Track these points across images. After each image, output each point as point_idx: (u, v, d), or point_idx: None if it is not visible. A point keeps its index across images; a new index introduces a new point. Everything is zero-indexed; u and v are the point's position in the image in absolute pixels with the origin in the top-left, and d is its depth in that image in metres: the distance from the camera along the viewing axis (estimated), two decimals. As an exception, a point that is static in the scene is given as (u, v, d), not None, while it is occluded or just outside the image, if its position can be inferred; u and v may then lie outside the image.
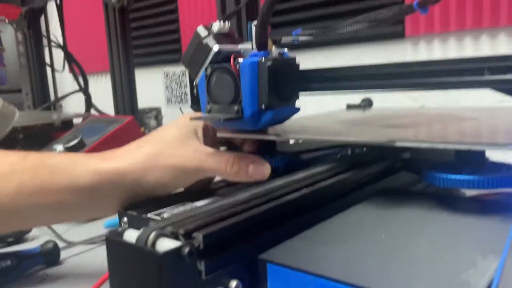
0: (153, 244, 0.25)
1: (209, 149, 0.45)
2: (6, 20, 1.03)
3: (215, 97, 0.46)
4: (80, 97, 1.24)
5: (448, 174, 0.35)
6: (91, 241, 0.62)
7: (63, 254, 0.58)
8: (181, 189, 0.47)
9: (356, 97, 1.01)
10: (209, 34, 0.45)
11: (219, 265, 0.27)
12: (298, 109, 0.46)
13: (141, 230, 0.26)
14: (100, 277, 0.36)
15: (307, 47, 1.18)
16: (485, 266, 0.25)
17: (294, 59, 0.44)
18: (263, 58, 0.41)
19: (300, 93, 0.46)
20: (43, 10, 1.08)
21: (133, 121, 0.77)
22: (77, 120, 0.94)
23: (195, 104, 0.51)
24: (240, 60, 0.42)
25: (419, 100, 1.00)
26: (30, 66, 1.10)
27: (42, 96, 1.12)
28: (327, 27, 0.57)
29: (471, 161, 0.36)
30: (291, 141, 0.55)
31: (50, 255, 0.56)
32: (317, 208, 0.35)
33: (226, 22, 0.47)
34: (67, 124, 0.87)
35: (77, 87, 1.21)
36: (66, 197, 0.42)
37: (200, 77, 0.47)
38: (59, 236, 0.64)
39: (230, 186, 0.46)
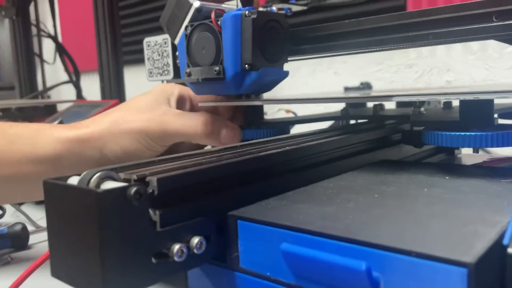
0: (97, 186, 0.21)
1: (178, 111, 0.41)
2: (-6, 6, 1.00)
3: (195, 59, 0.41)
4: (72, 90, 1.21)
5: (453, 131, 0.31)
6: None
7: (34, 239, 0.54)
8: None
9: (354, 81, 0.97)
10: (189, -10, 0.42)
11: (179, 217, 0.22)
12: (286, 73, 0.42)
13: (84, 172, 0.22)
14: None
15: (301, 26, 1.15)
16: (495, 220, 0.21)
17: (282, 14, 0.40)
18: (247, 11, 0.37)
19: (290, 56, 0.42)
20: (32, -3, 1.05)
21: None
22: (63, 107, 0.91)
23: (178, 76, 0.47)
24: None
25: (414, 69, 0.96)
26: (18, 55, 1.06)
27: (30, 87, 1.08)
28: (322, -2, 0.53)
29: (478, 117, 0.31)
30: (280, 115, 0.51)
31: (17, 238, 0.52)
32: (302, 170, 0.31)
33: (209, -21, 0.43)
34: (51, 109, 0.83)
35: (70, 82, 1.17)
36: (27, 168, 0.38)
37: (180, 38, 0.43)
38: (31, 221, 0.60)
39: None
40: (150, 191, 0.22)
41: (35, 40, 1.13)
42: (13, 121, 0.81)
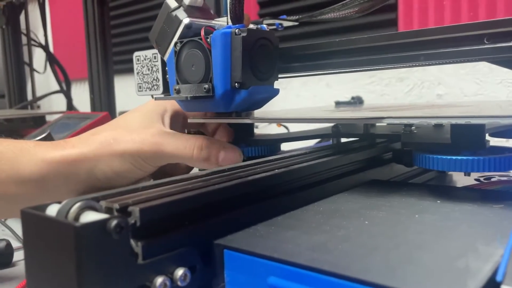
0: (76, 218, 0.20)
1: (173, 132, 0.40)
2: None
3: (184, 76, 0.41)
4: (63, 100, 1.19)
5: (444, 155, 0.30)
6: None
7: (18, 256, 0.53)
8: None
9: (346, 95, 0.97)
10: (179, 6, 0.41)
11: (162, 248, 0.22)
12: (277, 91, 0.41)
13: (64, 202, 0.21)
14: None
15: (293, 39, 1.14)
16: (488, 252, 0.20)
17: (272, 32, 0.40)
18: (237, 29, 0.37)
19: (280, 74, 0.42)
20: (23, 6, 1.04)
21: (108, 117, 0.72)
22: (52, 118, 0.89)
23: (167, 91, 0.47)
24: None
25: (406, 82, 0.96)
26: (7, 64, 1.05)
27: (20, 96, 1.06)
28: (313, 13, 0.53)
29: (469, 141, 0.31)
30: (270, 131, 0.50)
31: (1, 256, 0.51)
32: (291, 193, 0.30)
33: (200, -5, 0.42)
34: (39, 120, 0.82)
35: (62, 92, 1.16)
36: (10, 188, 0.37)
37: (169, 54, 0.42)
38: (16, 236, 0.59)
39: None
40: (132, 221, 0.21)
41: (25, 49, 1.12)
42: (1, 131, 0.80)
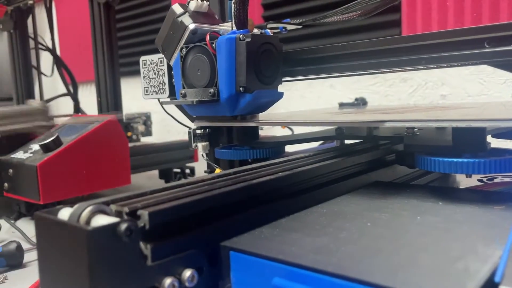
0: (88, 221, 0.21)
1: None
2: (-9, 19, 1.00)
3: (190, 80, 0.42)
4: (70, 102, 1.20)
5: (445, 157, 0.31)
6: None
7: (29, 257, 0.54)
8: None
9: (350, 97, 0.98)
10: (185, 12, 0.42)
11: (170, 250, 0.22)
12: (281, 94, 0.42)
13: (76, 206, 0.22)
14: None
15: (296, 40, 1.15)
16: (487, 253, 0.21)
17: (276, 37, 0.40)
18: (242, 34, 0.38)
19: (284, 78, 0.43)
20: (30, 10, 1.05)
21: (115, 121, 0.73)
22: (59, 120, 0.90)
23: (173, 94, 0.48)
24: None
25: (409, 83, 0.96)
26: (15, 68, 1.06)
27: (28, 99, 1.08)
28: (316, 17, 0.54)
29: (470, 143, 0.32)
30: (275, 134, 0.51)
31: (12, 257, 0.52)
32: (295, 196, 0.31)
33: (205, 0, 0.43)
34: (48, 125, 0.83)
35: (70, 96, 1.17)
36: None
37: (175, 59, 0.43)
38: (26, 237, 0.60)
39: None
40: (142, 224, 0.22)
41: (32, 52, 1.13)
42: (9, 135, 0.81)
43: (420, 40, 0.34)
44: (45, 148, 0.66)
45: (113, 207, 0.23)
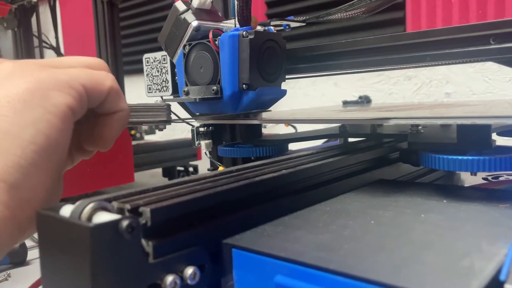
0: (89, 218, 0.21)
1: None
2: (-5, 17, 1.01)
3: (193, 77, 0.42)
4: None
5: (450, 155, 0.31)
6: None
7: (32, 255, 0.54)
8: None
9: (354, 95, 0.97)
10: (188, 9, 0.42)
11: (172, 247, 0.22)
12: (284, 92, 0.42)
13: (77, 203, 0.22)
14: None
15: (299, 38, 1.14)
16: (492, 252, 0.21)
17: (279, 34, 0.40)
18: (245, 31, 0.37)
19: (288, 75, 0.42)
20: (34, 9, 1.05)
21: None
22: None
23: (177, 92, 0.47)
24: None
25: (414, 81, 0.96)
26: (19, 66, 1.06)
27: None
28: (320, 14, 0.53)
29: (475, 141, 0.31)
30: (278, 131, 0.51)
31: (16, 255, 0.52)
32: (298, 193, 0.31)
33: (208, -3, 0.43)
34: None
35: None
36: None
37: (178, 57, 0.43)
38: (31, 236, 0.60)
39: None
40: (143, 222, 0.21)
41: (37, 51, 1.13)
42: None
43: (425, 36, 0.34)
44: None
45: (115, 204, 0.23)
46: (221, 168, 0.44)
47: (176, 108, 0.53)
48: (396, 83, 1.01)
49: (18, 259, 0.52)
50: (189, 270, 0.22)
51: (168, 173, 0.93)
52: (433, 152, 0.33)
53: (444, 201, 0.30)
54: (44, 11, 1.31)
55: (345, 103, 0.68)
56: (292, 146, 0.48)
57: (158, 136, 1.19)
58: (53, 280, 0.21)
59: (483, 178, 0.46)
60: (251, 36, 0.37)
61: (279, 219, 0.27)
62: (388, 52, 0.36)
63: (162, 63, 0.53)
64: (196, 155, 0.95)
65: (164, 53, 0.55)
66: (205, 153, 0.49)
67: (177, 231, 0.23)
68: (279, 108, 0.48)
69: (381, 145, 0.42)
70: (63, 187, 0.30)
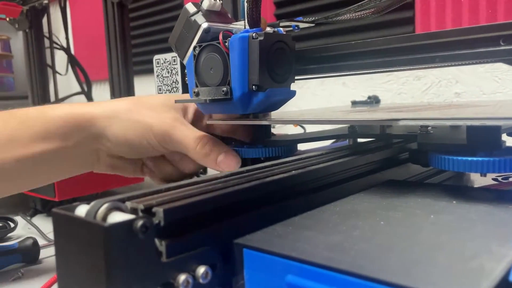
0: (104, 218, 0.21)
1: (188, 123, 0.42)
2: (7, 19, 1.02)
3: (203, 79, 0.42)
4: (84, 101, 1.22)
5: (460, 156, 0.31)
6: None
7: (44, 253, 0.55)
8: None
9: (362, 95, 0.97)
10: (198, 11, 0.42)
11: (185, 247, 0.23)
12: (293, 93, 0.42)
13: (92, 203, 0.22)
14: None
15: (309, 38, 1.14)
16: (502, 253, 0.21)
17: (289, 35, 0.40)
18: (254, 33, 0.38)
19: (297, 76, 0.43)
20: (45, 10, 1.07)
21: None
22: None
23: (186, 93, 0.48)
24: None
25: (423, 81, 0.96)
26: (31, 66, 1.08)
27: (43, 97, 1.09)
28: (329, 15, 0.54)
29: (485, 142, 0.31)
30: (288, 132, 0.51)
31: (28, 253, 0.53)
32: (308, 194, 0.31)
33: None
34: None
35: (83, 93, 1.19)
36: (37, 146, 0.39)
37: (188, 58, 0.43)
38: (42, 234, 0.61)
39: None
40: (157, 221, 0.22)
41: (48, 51, 1.14)
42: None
43: (434, 38, 0.34)
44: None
45: (128, 204, 0.23)
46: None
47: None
48: (405, 83, 1.01)
49: (31, 258, 0.53)
50: (201, 269, 0.23)
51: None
52: (442, 153, 0.33)
53: (454, 202, 0.30)
54: (55, 12, 1.33)
55: (354, 103, 0.68)
56: (301, 147, 0.48)
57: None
58: (68, 279, 0.22)
59: (493, 179, 0.46)
60: (261, 38, 0.37)
61: (289, 219, 0.27)
62: (398, 53, 0.36)
63: (172, 64, 0.54)
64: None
65: (174, 54, 0.55)
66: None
67: (190, 231, 0.23)
68: (288, 108, 0.48)
69: (390, 146, 0.42)
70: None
